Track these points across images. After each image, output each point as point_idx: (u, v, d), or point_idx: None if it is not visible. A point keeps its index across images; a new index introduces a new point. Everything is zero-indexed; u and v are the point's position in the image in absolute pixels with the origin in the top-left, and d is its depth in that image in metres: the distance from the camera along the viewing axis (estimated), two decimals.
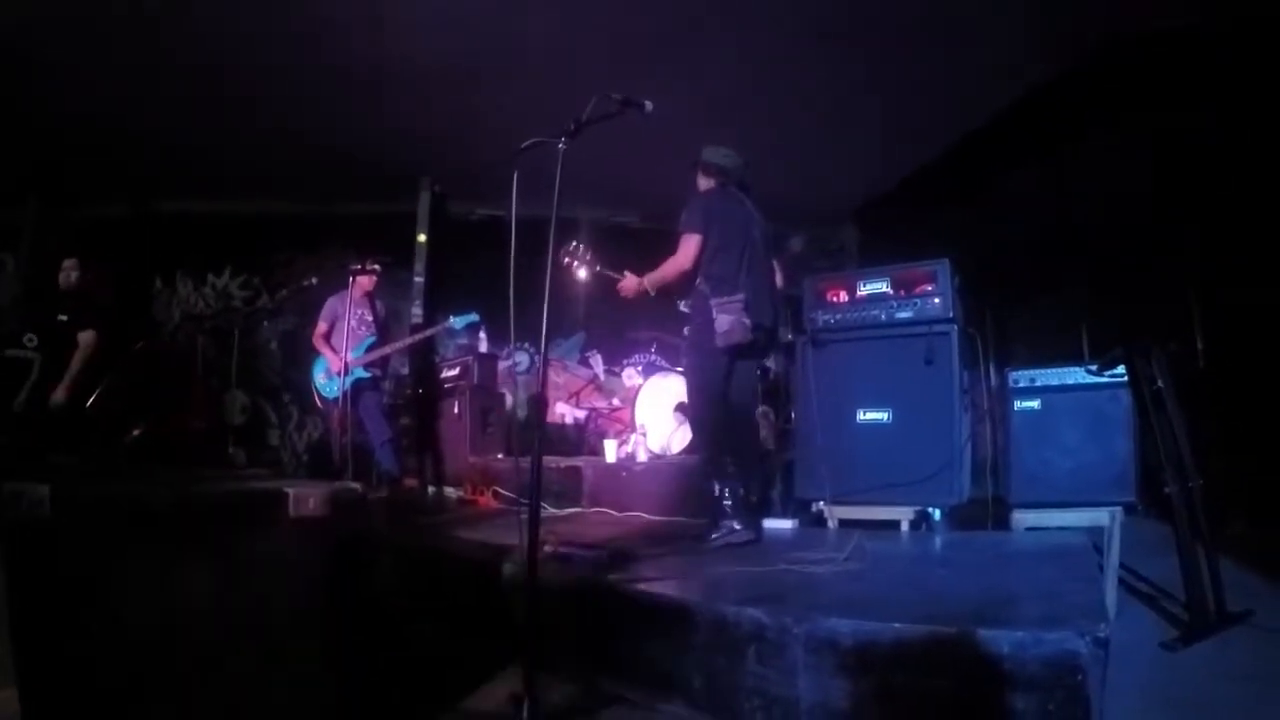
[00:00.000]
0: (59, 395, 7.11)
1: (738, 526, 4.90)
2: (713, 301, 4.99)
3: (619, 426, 8.96)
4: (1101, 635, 2.39)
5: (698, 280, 5.13)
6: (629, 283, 5.50)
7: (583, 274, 5.65)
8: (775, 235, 5.70)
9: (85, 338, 7.26)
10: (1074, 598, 3.01)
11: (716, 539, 4.88)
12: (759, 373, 6.27)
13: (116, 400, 7.53)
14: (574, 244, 5.65)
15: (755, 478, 5.26)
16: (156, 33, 7.33)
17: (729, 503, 4.97)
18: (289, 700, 2.62)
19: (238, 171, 10.54)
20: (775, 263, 5.64)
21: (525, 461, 3.21)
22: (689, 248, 5.11)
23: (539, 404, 3.21)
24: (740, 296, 4.95)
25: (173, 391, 9.97)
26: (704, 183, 5.42)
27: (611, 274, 5.65)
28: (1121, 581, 4.26)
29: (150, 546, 2.55)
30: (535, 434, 3.13)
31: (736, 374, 5.19)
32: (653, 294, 5.48)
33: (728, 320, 4.90)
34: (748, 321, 4.91)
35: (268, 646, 2.60)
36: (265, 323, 11.92)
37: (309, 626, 2.64)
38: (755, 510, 5.11)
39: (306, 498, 2.63)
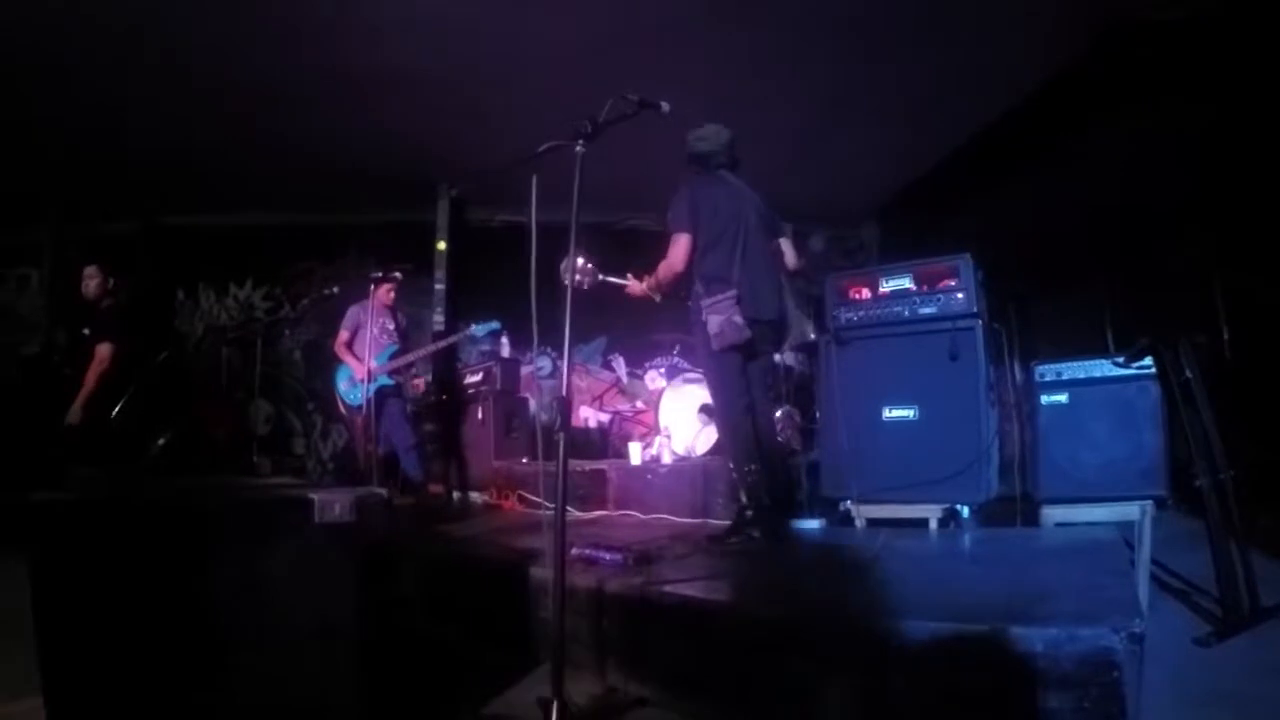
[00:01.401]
0: (73, 413, 7.13)
1: (755, 535, 4.86)
2: (703, 303, 4.92)
3: (643, 429, 8.95)
4: (1137, 631, 2.36)
5: (694, 280, 5.08)
6: (635, 286, 5.47)
7: (585, 287, 5.54)
8: (794, 234, 5.62)
9: (101, 351, 7.28)
10: (1107, 593, 2.98)
11: (735, 542, 4.86)
12: (781, 370, 6.23)
13: (141, 411, 7.56)
14: (577, 260, 5.53)
15: (773, 475, 5.21)
16: (170, 48, 7.37)
17: (751, 513, 4.93)
18: (315, 705, 2.62)
19: (256, 183, 10.59)
20: (785, 242, 5.51)
21: (551, 465, 3.20)
22: (679, 249, 5.04)
23: (564, 407, 3.18)
24: (730, 293, 4.84)
25: (197, 402, 10.03)
26: (693, 170, 5.32)
27: (617, 280, 5.62)
28: (1152, 577, 4.22)
29: (176, 554, 2.55)
30: (561, 437, 3.11)
31: (751, 368, 5.13)
32: (657, 298, 5.45)
33: (717, 321, 4.82)
34: (739, 320, 4.80)
35: (293, 651, 2.60)
36: (288, 332, 11.99)
37: (334, 631, 2.64)
38: (777, 511, 5.06)
39: (332, 503, 2.63)
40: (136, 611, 2.52)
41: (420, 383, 8.63)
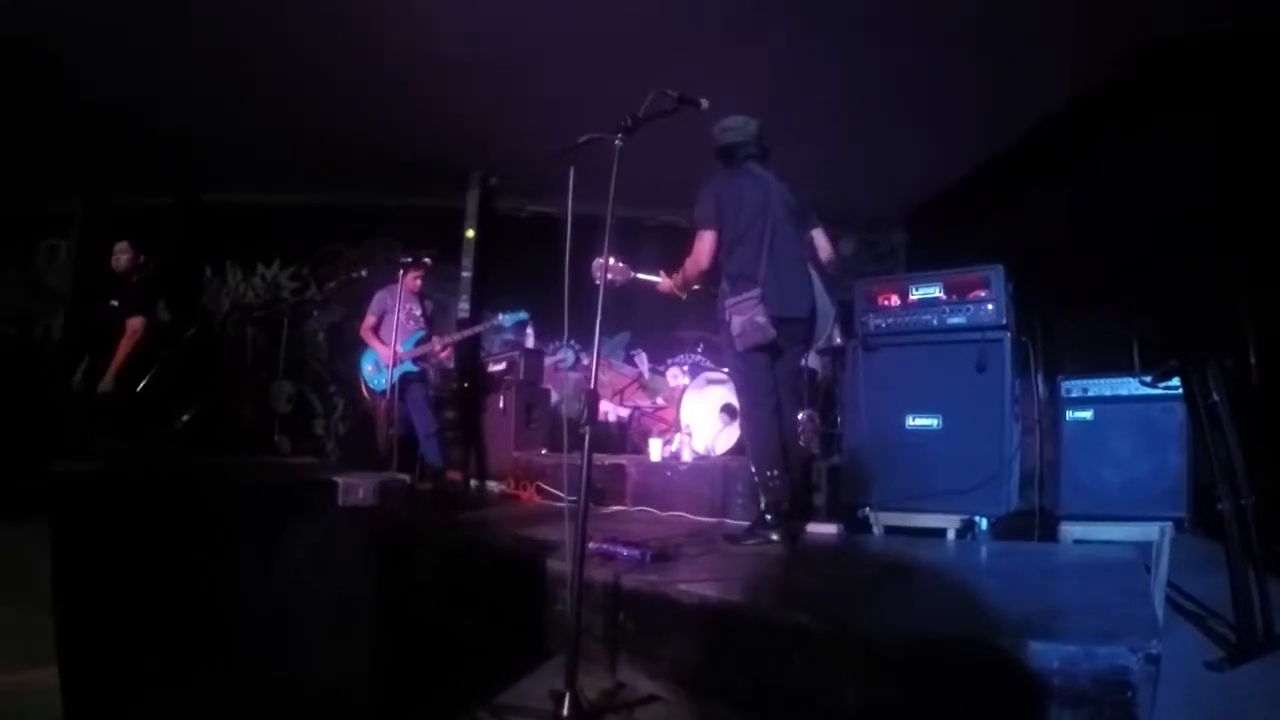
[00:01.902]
0: (106, 382, 7.25)
1: (774, 538, 4.83)
2: (727, 302, 4.85)
3: (662, 425, 8.95)
4: (1153, 652, 2.35)
5: (721, 278, 5.00)
6: (664, 284, 5.43)
7: (618, 285, 5.45)
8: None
9: (133, 324, 7.39)
10: (1124, 612, 2.97)
11: (752, 544, 4.83)
12: (805, 374, 6.19)
13: (167, 386, 7.63)
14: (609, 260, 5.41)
15: (794, 479, 5.16)
16: (203, 29, 7.43)
17: (770, 516, 4.91)
18: (330, 688, 2.63)
19: (288, 164, 10.64)
20: (818, 233, 5.42)
21: (574, 458, 3.21)
22: (704, 245, 4.96)
23: (591, 400, 3.18)
24: (754, 293, 4.75)
25: (222, 379, 10.11)
26: (720, 163, 5.24)
27: (649, 277, 5.60)
28: (1167, 599, 4.20)
29: (197, 529, 2.57)
30: (586, 431, 3.12)
31: (777, 368, 5.03)
32: (684, 296, 5.42)
33: (740, 323, 4.75)
34: (761, 320, 4.71)
35: (311, 633, 2.61)
36: (314, 314, 12.03)
37: (352, 615, 2.65)
38: (793, 515, 5.04)
39: (356, 487, 2.64)
40: (156, 585, 2.53)
41: (448, 354, 8.65)
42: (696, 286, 5.30)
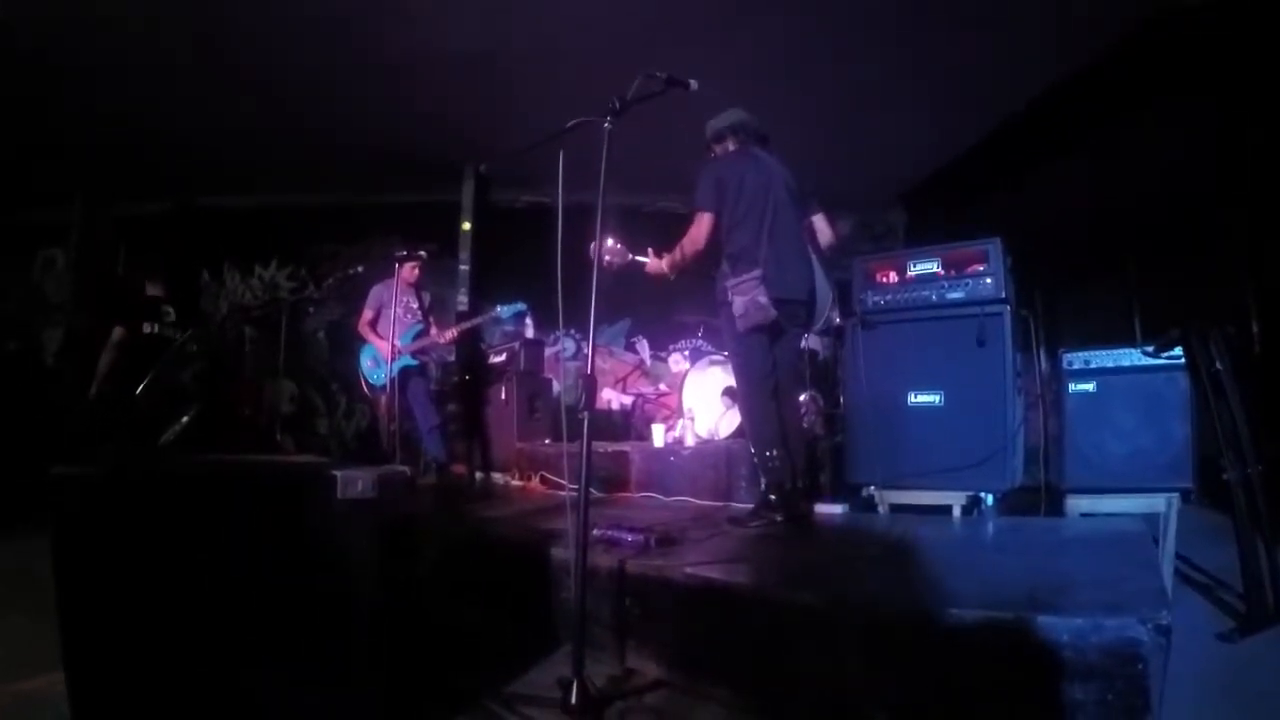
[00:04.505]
0: (91, 392, 7.34)
1: (779, 519, 4.81)
2: (728, 283, 4.83)
3: (666, 412, 8.95)
4: (1163, 623, 2.32)
5: (721, 260, 4.98)
6: (653, 264, 5.38)
7: (615, 267, 5.40)
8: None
9: (114, 334, 7.47)
10: (1133, 584, 2.94)
11: (756, 526, 4.82)
12: (805, 354, 6.16)
13: (165, 389, 7.64)
14: (607, 241, 5.19)
15: (797, 460, 5.14)
16: (194, 32, 7.42)
17: (774, 497, 4.89)
18: (335, 682, 2.61)
19: (283, 165, 10.67)
20: (820, 218, 5.39)
21: (574, 446, 3.19)
22: (701, 227, 4.93)
23: (588, 385, 3.17)
24: (756, 273, 4.73)
25: (221, 381, 10.10)
26: (719, 150, 5.23)
27: (639, 258, 5.56)
28: (1176, 570, 4.18)
29: (198, 528, 2.56)
30: (584, 416, 3.10)
31: (776, 350, 5.02)
32: (672, 277, 5.35)
33: (741, 303, 4.73)
34: (763, 300, 4.69)
35: (313, 628, 2.60)
36: (311, 311, 12.00)
37: (355, 608, 2.63)
38: (800, 496, 5.02)
39: (355, 480, 2.62)
40: (157, 585, 2.53)
41: (450, 339, 8.63)
42: (689, 268, 5.25)
